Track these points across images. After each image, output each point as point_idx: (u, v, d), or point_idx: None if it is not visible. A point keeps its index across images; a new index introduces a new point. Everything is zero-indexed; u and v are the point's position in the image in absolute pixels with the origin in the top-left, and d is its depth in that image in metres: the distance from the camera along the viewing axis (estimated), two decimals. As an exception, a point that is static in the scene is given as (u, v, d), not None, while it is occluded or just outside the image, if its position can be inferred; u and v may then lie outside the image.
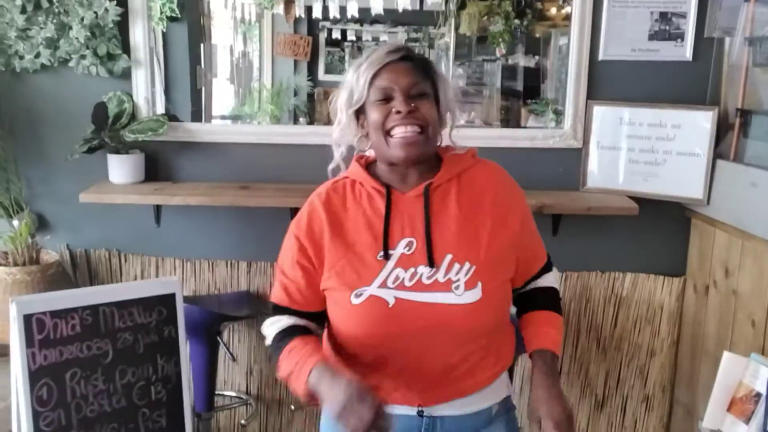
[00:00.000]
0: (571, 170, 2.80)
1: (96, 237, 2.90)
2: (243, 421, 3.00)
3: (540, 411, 1.51)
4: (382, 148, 1.56)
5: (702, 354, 2.72)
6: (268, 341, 1.63)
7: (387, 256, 1.53)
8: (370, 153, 1.64)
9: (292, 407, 3.02)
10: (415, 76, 1.54)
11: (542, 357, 1.58)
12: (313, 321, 1.61)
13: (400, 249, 1.53)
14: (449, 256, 1.52)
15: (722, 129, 2.61)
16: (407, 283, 1.51)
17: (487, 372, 1.60)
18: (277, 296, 1.63)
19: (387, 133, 1.53)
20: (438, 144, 1.61)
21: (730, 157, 2.56)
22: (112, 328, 2.11)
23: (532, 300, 1.69)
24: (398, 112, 1.51)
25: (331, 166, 1.68)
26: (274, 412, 3.07)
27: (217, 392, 2.84)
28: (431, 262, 1.51)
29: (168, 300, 2.20)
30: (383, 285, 1.51)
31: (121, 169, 2.74)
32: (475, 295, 1.49)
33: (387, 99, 1.53)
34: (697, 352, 2.77)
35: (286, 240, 1.63)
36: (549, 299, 1.70)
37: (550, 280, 1.72)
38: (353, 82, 1.57)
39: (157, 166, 2.84)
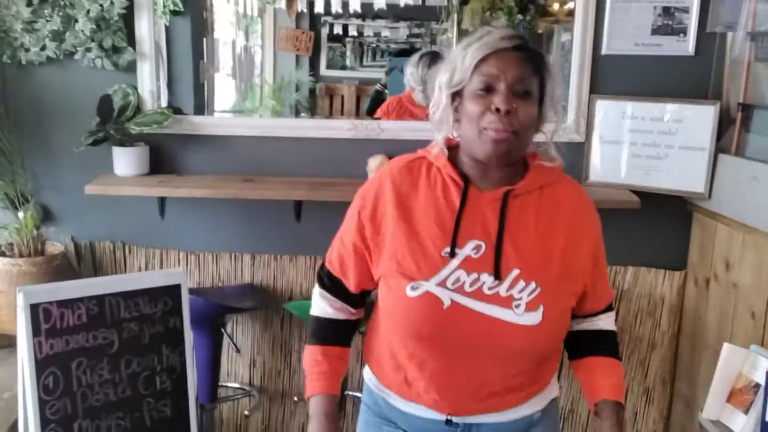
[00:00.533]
0: (574, 164, 2.80)
1: (101, 229, 2.92)
2: (246, 413, 3.02)
3: None
4: (471, 139, 1.45)
5: (702, 347, 2.74)
6: (312, 312, 1.64)
7: (453, 254, 1.44)
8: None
9: (295, 399, 3.03)
10: (524, 71, 1.41)
11: (612, 408, 1.52)
12: (354, 302, 1.61)
13: (467, 250, 1.44)
14: (516, 271, 1.43)
15: (724, 123, 2.62)
16: (467, 288, 1.43)
17: (520, 394, 1.54)
18: (331, 262, 1.61)
19: (481, 129, 1.42)
20: (528, 147, 1.51)
21: (731, 151, 2.57)
22: (118, 318, 2.13)
23: (593, 343, 1.62)
24: (497, 109, 1.39)
25: (434, 151, 1.54)
26: (277, 404, 3.09)
27: (220, 383, 2.85)
28: (497, 273, 1.43)
29: (173, 291, 2.22)
30: (442, 284, 1.43)
31: (125, 161, 2.75)
32: (534, 318, 1.42)
33: (488, 89, 1.41)
34: (697, 345, 2.79)
35: (350, 210, 1.57)
36: (611, 345, 1.63)
37: (610, 323, 1.65)
38: (458, 61, 1.44)
39: (161, 159, 2.86)
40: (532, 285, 1.42)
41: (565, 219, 1.50)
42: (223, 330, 2.75)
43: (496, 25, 3.19)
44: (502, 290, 1.42)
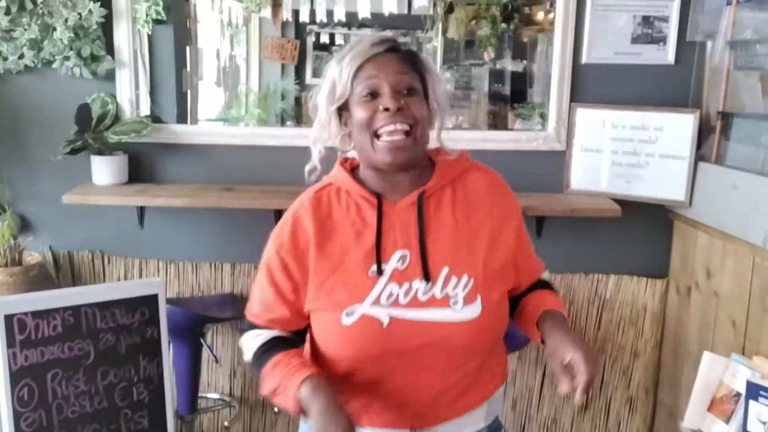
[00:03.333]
0: (555, 172, 2.81)
1: (79, 238, 2.89)
2: (226, 423, 2.98)
3: (564, 348, 1.35)
4: (367, 150, 1.43)
5: (685, 355, 2.74)
6: (248, 356, 1.51)
7: (380, 272, 1.41)
8: (352, 154, 1.52)
9: (275, 410, 3.01)
10: (404, 69, 1.42)
11: (552, 314, 1.47)
12: (296, 336, 1.52)
13: (393, 263, 1.42)
14: (446, 269, 1.42)
15: (704, 132, 2.63)
16: (402, 300, 1.40)
17: (480, 391, 1.52)
18: (254, 314, 1.52)
19: (374, 134, 1.40)
20: (427, 145, 1.48)
21: (711, 159, 2.58)
22: (94, 329, 2.11)
23: (527, 290, 1.59)
24: (386, 109, 1.38)
25: (307, 167, 1.52)
26: (257, 415, 3.06)
27: (200, 394, 2.83)
28: (427, 276, 1.41)
29: (151, 301, 2.20)
30: (376, 302, 1.40)
31: (104, 170, 2.73)
32: (474, 310, 1.40)
33: (373, 94, 1.40)
34: (679, 353, 2.78)
35: (266, 255, 1.50)
36: (543, 284, 1.60)
37: (545, 276, 1.64)
38: (335, 75, 1.43)
39: (140, 168, 2.84)
40: (465, 278, 1.41)
41: (483, 205, 1.49)
42: (202, 340, 2.73)
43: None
44: (437, 291, 1.41)
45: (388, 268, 1.42)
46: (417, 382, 1.44)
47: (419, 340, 1.39)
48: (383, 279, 1.41)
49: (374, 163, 1.44)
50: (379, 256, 1.42)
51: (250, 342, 1.51)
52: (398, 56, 1.43)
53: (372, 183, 1.48)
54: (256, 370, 1.48)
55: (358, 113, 1.41)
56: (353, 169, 1.52)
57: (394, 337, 1.39)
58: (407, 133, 1.39)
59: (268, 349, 1.47)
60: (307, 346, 1.56)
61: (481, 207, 1.48)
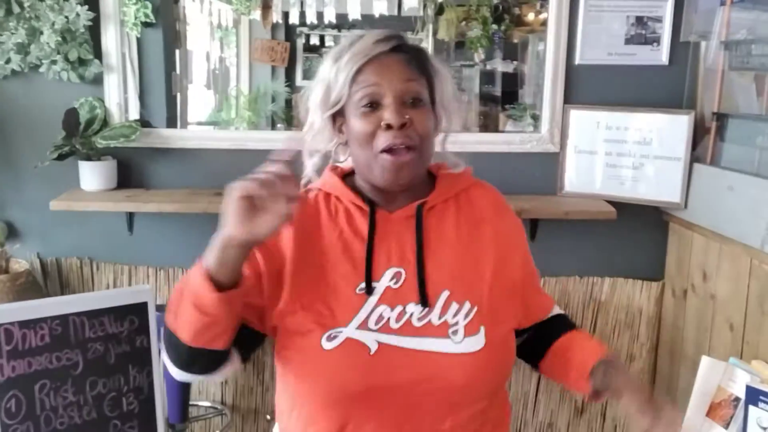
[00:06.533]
0: (549, 175, 2.79)
1: (67, 245, 2.85)
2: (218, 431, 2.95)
3: (648, 416, 1.27)
4: (365, 165, 1.27)
5: (681, 358, 2.72)
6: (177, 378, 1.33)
7: (369, 290, 1.24)
8: (348, 163, 1.38)
9: (268, 417, 2.98)
10: (410, 75, 1.24)
11: (609, 365, 1.30)
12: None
13: (385, 281, 1.25)
14: (446, 293, 1.25)
15: (699, 133, 2.61)
16: (393, 325, 1.22)
17: None
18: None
19: (377, 152, 1.24)
20: (431, 160, 1.35)
21: (706, 160, 2.56)
22: (83, 339, 2.07)
23: (550, 330, 1.43)
24: (389, 126, 1.21)
25: (303, 182, 1.36)
26: (249, 423, 3.03)
27: (191, 402, 2.79)
28: (424, 300, 1.23)
29: (140, 309, 2.16)
30: (363, 326, 1.22)
31: (92, 176, 2.69)
32: (476, 343, 1.22)
33: (373, 105, 1.23)
34: (675, 356, 2.76)
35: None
36: (568, 322, 1.44)
37: (557, 310, 1.48)
38: (331, 77, 1.26)
39: (129, 173, 2.80)
40: (467, 305, 1.24)
41: (488, 226, 1.34)
42: (194, 347, 2.69)
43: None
44: (434, 318, 1.23)
45: (380, 286, 1.25)
46: (405, 425, 1.24)
47: (411, 373, 1.20)
48: (373, 299, 1.24)
49: (373, 179, 1.28)
50: (369, 271, 1.25)
51: (169, 365, 1.33)
52: (404, 58, 1.26)
53: (366, 191, 1.33)
54: (165, 333, 1.28)
55: (357, 125, 1.25)
56: (345, 176, 1.37)
57: (381, 368, 1.20)
58: (411, 148, 1.23)
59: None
60: (278, 387, 1.37)
61: (486, 227, 1.33)
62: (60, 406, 2.03)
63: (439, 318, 1.24)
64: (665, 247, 2.85)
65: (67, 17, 2.59)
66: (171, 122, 3.17)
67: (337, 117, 1.30)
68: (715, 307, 2.47)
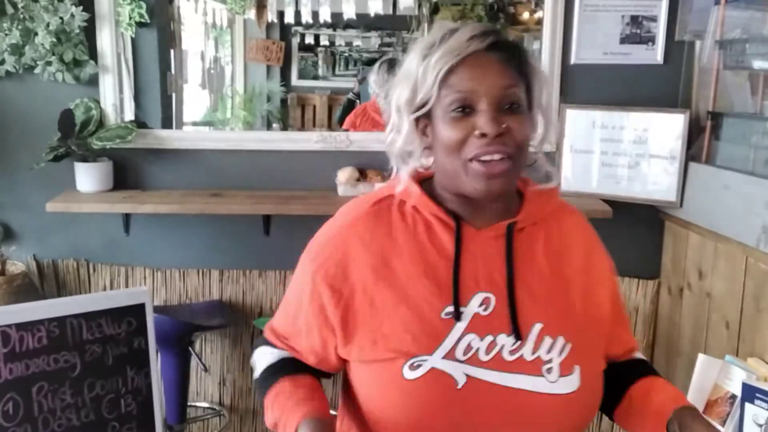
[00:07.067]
0: (544, 174, 2.79)
1: (64, 247, 2.85)
2: (216, 432, 2.96)
3: None
4: (453, 173, 1.12)
5: (677, 356, 2.73)
6: (256, 374, 1.27)
7: (457, 315, 1.10)
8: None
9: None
10: (508, 78, 1.09)
11: (689, 414, 1.14)
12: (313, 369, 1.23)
13: (473, 307, 1.11)
14: (538, 326, 1.11)
15: (694, 132, 2.62)
16: (483, 357, 1.09)
17: None
18: (274, 329, 1.27)
19: (466, 160, 1.10)
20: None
21: (702, 159, 2.57)
22: (80, 340, 2.05)
23: (627, 374, 1.27)
24: (483, 134, 1.07)
25: (398, 189, 1.19)
26: (247, 423, 3.03)
27: (189, 403, 2.79)
28: (516, 332, 1.10)
29: (137, 310, 2.15)
30: (450, 356, 1.08)
31: (88, 177, 2.69)
32: (571, 384, 1.10)
33: (466, 109, 1.09)
34: (672, 354, 2.77)
35: (301, 268, 1.22)
36: (650, 367, 1.32)
37: (639, 354, 1.35)
38: (418, 75, 1.11)
39: (125, 174, 2.80)
40: (560, 341, 1.12)
41: (579, 257, 1.21)
42: (191, 348, 2.70)
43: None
44: (527, 353, 1.10)
45: (468, 312, 1.11)
46: None
47: (500, 413, 1.09)
48: (461, 326, 1.10)
49: (462, 189, 1.13)
50: (457, 295, 1.11)
51: (260, 360, 1.27)
52: (502, 57, 1.10)
53: (448, 203, 1.17)
54: (260, 395, 1.24)
55: (445, 132, 1.10)
56: (422, 182, 1.20)
57: (470, 404, 1.08)
58: (507, 157, 1.09)
59: (274, 372, 1.22)
60: (341, 410, 1.27)
61: (574, 258, 1.20)
62: (58, 408, 2.02)
63: (533, 353, 1.11)
64: (661, 245, 2.86)
65: (61, 18, 2.59)
66: (166, 122, 3.17)
67: (421, 118, 1.15)
68: (711, 305, 2.48)
